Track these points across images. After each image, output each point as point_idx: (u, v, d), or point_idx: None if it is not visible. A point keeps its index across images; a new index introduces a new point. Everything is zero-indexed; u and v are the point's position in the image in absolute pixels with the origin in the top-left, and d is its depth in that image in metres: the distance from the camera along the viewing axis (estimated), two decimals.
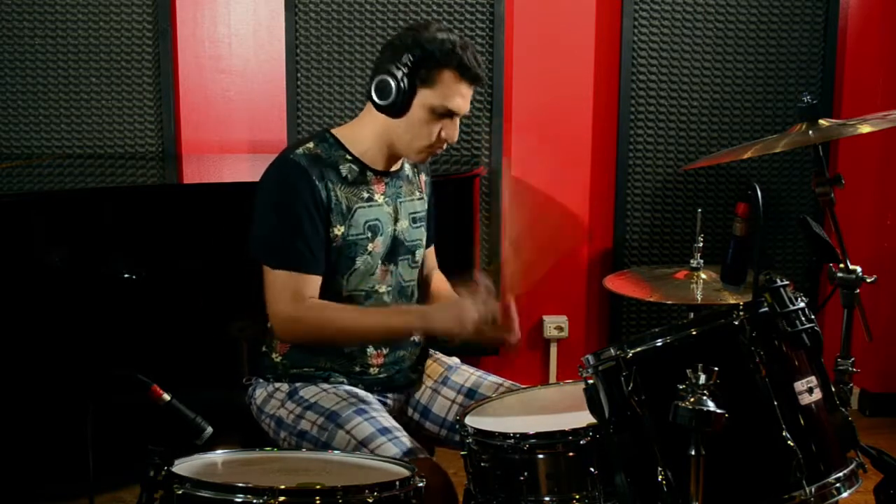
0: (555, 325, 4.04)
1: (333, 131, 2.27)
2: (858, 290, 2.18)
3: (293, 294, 2.15)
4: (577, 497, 1.91)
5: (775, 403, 1.74)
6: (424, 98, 2.15)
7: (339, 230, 2.19)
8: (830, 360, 2.01)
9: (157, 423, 1.85)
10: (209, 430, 1.87)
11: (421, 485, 1.75)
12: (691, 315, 2.81)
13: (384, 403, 2.30)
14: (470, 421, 2.03)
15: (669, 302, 3.03)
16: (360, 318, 2.21)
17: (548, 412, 2.15)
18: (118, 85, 3.78)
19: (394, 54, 2.14)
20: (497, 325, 2.26)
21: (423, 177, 2.44)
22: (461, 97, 2.17)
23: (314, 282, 2.17)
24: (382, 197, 2.27)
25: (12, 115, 3.75)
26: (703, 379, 1.60)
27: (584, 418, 1.89)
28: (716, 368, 1.61)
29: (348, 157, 2.23)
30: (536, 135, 3.97)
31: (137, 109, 3.80)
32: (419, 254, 2.38)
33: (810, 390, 1.79)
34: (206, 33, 3.83)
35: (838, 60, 3.97)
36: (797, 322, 1.80)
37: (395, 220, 2.30)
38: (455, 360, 2.48)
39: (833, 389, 1.87)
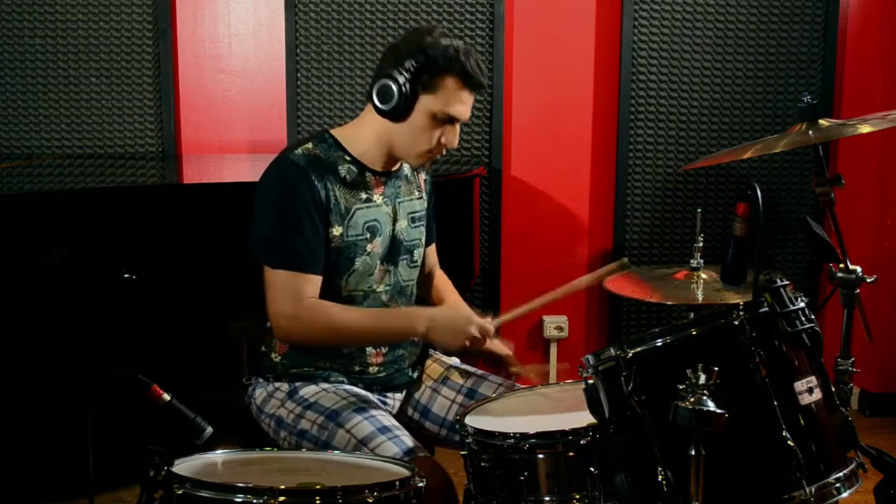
0: (555, 325, 4.04)
1: (333, 132, 2.27)
2: (858, 290, 2.18)
3: (293, 294, 2.15)
4: (577, 497, 1.91)
5: (775, 403, 1.74)
6: (426, 104, 2.14)
7: (337, 231, 2.19)
8: (830, 360, 2.01)
9: (157, 423, 1.85)
10: (209, 430, 1.87)
11: (421, 485, 1.75)
12: (691, 315, 2.81)
13: (384, 403, 2.30)
14: (470, 421, 2.03)
15: (669, 302, 3.02)
16: (361, 318, 2.22)
17: (548, 412, 2.15)
18: (118, 85, 3.78)
19: (397, 59, 2.14)
20: (494, 341, 2.30)
21: (423, 175, 2.43)
22: (462, 104, 2.17)
23: (314, 282, 2.17)
24: (381, 197, 2.27)
25: (12, 115, 3.75)
26: (703, 379, 1.60)
27: (584, 418, 1.89)
28: (716, 368, 1.61)
29: (347, 157, 2.23)
30: (536, 135, 3.97)
31: (137, 109, 3.80)
32: (418, 253, 2.38)
33: (810, 390, 1.79)
34: (206, 33, 3.83)
35: (838, 60, 3.97)
36: (797, 322, 1.80)
37: (394, 221, 2.30)
38: (455, 360, 2.48)
39: (833, 389, 1.87)
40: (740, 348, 1.76)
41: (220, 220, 2.88)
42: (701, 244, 2.82)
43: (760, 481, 1.74)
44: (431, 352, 2.47)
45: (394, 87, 2.12)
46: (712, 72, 3.94)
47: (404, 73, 2.12)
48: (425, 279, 2.49)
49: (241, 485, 1.66)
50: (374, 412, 2.17)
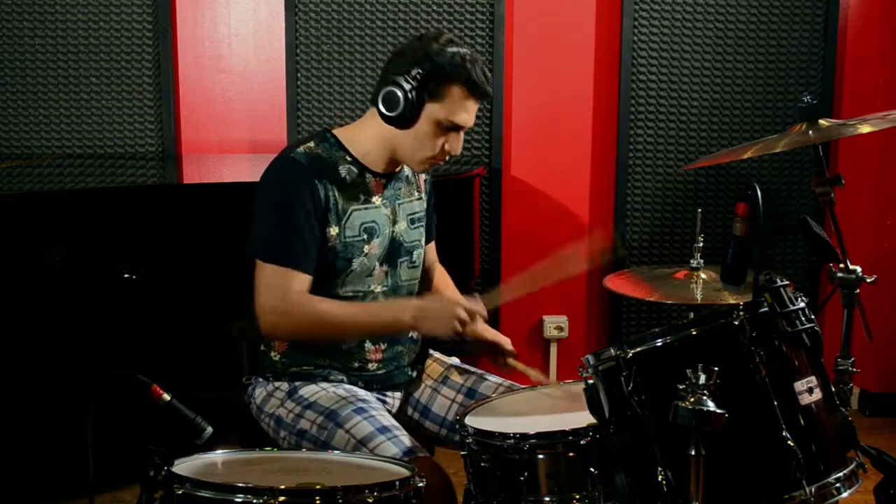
0: (555, 325, 4.04)
1: (335, 132, 2.27)
2: (858, 290, 2.18)
3: (280, 288, 2.14)
4: (577, 497, 1.91)
5: (775, 403, 1.74)
6: (431, 112, 2.14)
7: (334, 231, 2.19)
8: (830, 360, 2.01)
9: (157, 423, 1.85)
10: (209, 430, 1.87)
11: (421, 485, 1.75)
12: (691, 315, 2.81)
13: (383, 402, 2.30)
14: (470, 421, 2.03)
15: (669, 302, 3.03)
16: (348, 311, 2.20)
17: (548, 412, 2.15)
18: (118, 85, 3.78)
19: (403, 65, 2.14)
20: (489, 329, 2.30)
21: (423, 175, 2.43)
22: (467, 112, 2.17)
23: (303, 279, 2.16)
24: (380, 199, 2.27)
25: (12, 115, 3.75)
26: (703, 379, 1.60)
27: (584, 418, 1.89)
28: (716, 368, 1.61)
29: (348, 158, 2.23)
30: (536, 135, 3.97)
31: (137, 109, 3.80)
32: (417, 254, 2.38)
33: (810, 390, 1.79)
34: (206, 33, 3.83)
35: (838, 60, 3.97)
36: (797, 322, 1.80)
37: (394, 222, 2.29)
38: (455, 360, 2.48)
39: (833, 389, 1.87)
40: (740, 348, 1.76)
41: (220, 220, 2.88)
42: (701, 244, 2.82)
43: (760, 481, 1.74)
44: (431, 352, 2.47)
45: (400, 95, 2.12)
46: (712, 72, 3.94)
47: (410, 80, 2.12)
48: (424, 275, 2.49)
49: (241, 485, 1.66)
50: (373, 412, 2.17)
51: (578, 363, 1.87)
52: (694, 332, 1.79)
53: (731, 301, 2.55)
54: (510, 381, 2.38)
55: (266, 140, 3.85)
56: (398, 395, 2.36)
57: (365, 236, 2.23)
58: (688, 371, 1.61)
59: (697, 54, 3.93)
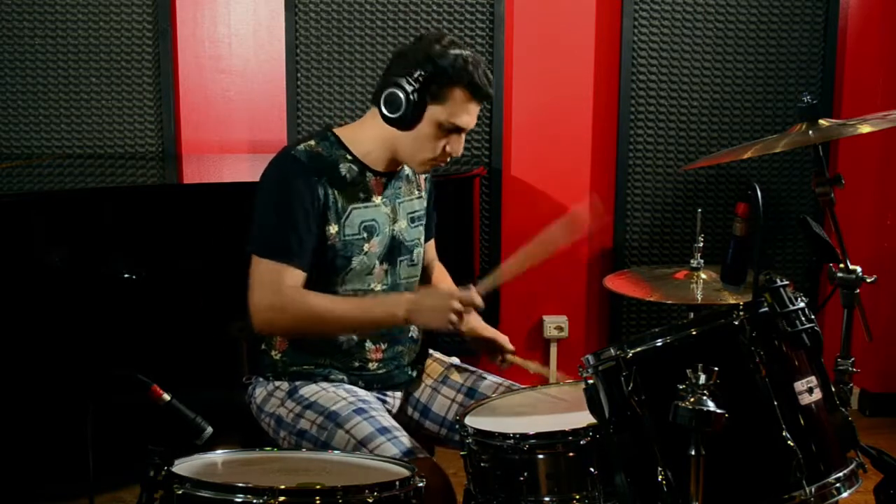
0: (555, 325, 4.04)
1: (336, 130, 2.27)
2: (858, 290, 2.18)
3: (273, 283, 2.13)
4: (577, 497, 1.91)
5: (775, 403, 1.74)
6: (433, 114, 2.15)
7: (333, 229, 2.19)
8: (830, 360, 2.01)
9: (157, 423, 1.85)
10: (209, 430, 1.87)
11: (421, 485, 1.75)
12: (691, 315, 2.81)
13: (384, 402, 2.30)
14: (470, 421, 2.03)
15: (669, 302, 3.03)
16: (341, 305, 2.20)
17: (548, 412, 2.15)
18: (118, 85, 3.78)
19: (405, 67, 2.14)
20: (485, 327, 2.30)
21: (423, 174, 2.43)
22: (469, 114, 2.17)
23: (297, 275, 2.16)
24: (381, 198, 2.27)
25: (12, 115, 3.75)
26: (703, 379, 1.60)
27: (584, 418, 1.89)
28: (716, 368, 1.61)
29: (349, 156, 2.23)
30: (536, 135, 3.97)
31: (137, 109, 3.80)
32: (417, 253, 2.38)
33: (810, 390, 1.79)
34: (206, 33, 3.83)
35: (838, 60, 3.97)
36: (797, 322, 1.80)
37: (394, 221, 2.30)
38: (455, 360, 2.48)
39: (833, 389, 1.87)
40: (740, 348, 1.76)
41: (220, 220, 2.88)
42: (701, 244, 2.82)
43: (760, 481, 1.74)
44: (431, 351, 2.47)
45: (402, 97, 2.12)
46: (712, 72, 3.94)
47: (413, 83, 2.12)
48: (423, 273, 2.49)
49: (241, 485, 1.66)
50: (373, 413, 2.17)
51: (578, 363, 1.87)
52: (694, 332, 1.79)
53: (731, 301, 2.55)
54: (510, 381, 2.38)
55: (266, 140, 3.85)
56: (398, 394, 2.36)
57: (365, 235, 2.23)
58: (688, 371, 1.61)
59: (697, 54, 3.92)
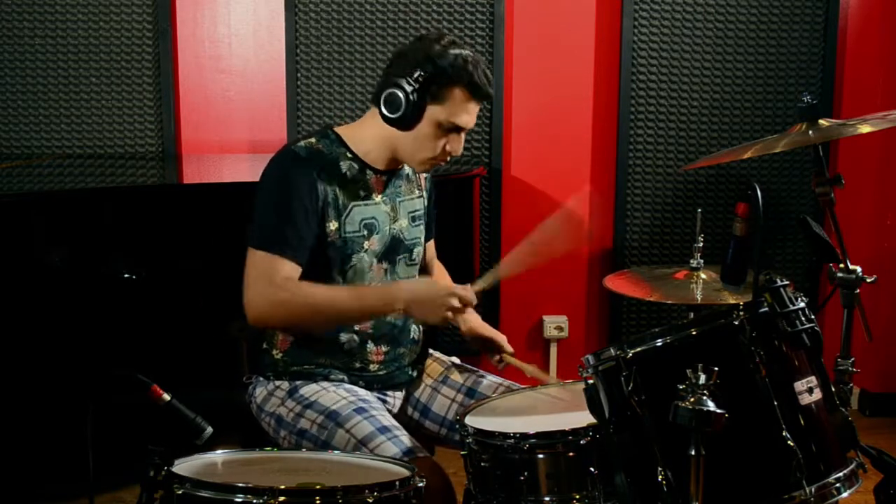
0: (555, 325, 4.04)
1: (336, 129, 2.28)
2: (858, 290, 2.18)
3: (268, 275, 2.12)
4: (577, 497, 1.91)
5: (775, 403, 1.74)
6: (433, 113, 2.15)
7: (333, 226, 2.19)
8: (830, 360, 2.01)
9: (157, 423, 1.85)
10: (209, 430, 1.87)
11: (421, 485, 1.75)
12: (691, 315, 2.81)
13: (384, 402, 2.30)
14: (470, 421, 2.03)
15: (669, 302, 3.03)
16: (337, 295, 2.19)
17: (548, 412, 2.15)
18: (118, 85, 3.78)
19: (405, 67, 2.14)
20: (484, 326, 2.30)
21: (424, 174, 2.43)
22: (469, 114, 2.18)
23: (292, 267, 2.15)
24: (381, 196, 2.27)
25: (12, 115, 3.75)
26: (703, 379, 1.60)
27: (584, 418, 1.89)
28: (716, 368, 1.61)
29: (349, 155, 2.24)
30: (536, 135, 3.97)
31: (137, 109, 3.80)
32: (417, 252, 2.38)
33: (810, 390, 1.79)
34: (206, 33, 3.83)
35: (838, 60, 3.97)
36: (797, 322, 1.80)
37: (394, 220, 2.30)
38: (455, 359, 2.48)
39: (833, 389, 1.87)
40: (740, 348, 1.76)
41: (220, 220, 2.88)
42: (701, 244, 2.82)
43: (760, 481, 1.74)
44: (431, 351, 2.47)
45: (401, 97, 2.13)
46: (712, 72, 3.94)
47: (412, 82, 2.12)
48: (423, 272, 2.49)
49: (241, 485, 1.66)
50: (373, 412, 2.17)
51: (578, 363, 1.87)
52: (694, 332, 1.79)
53: (731, 301, 2.55)
54: (510, 381, 2.39)
55: (266, 140, 3.85)
56: (399, 394, 2.36)
57: (365, 232, 2.23)
58: (688, 371, 1.61)
59: (697, 54, 3.92)
